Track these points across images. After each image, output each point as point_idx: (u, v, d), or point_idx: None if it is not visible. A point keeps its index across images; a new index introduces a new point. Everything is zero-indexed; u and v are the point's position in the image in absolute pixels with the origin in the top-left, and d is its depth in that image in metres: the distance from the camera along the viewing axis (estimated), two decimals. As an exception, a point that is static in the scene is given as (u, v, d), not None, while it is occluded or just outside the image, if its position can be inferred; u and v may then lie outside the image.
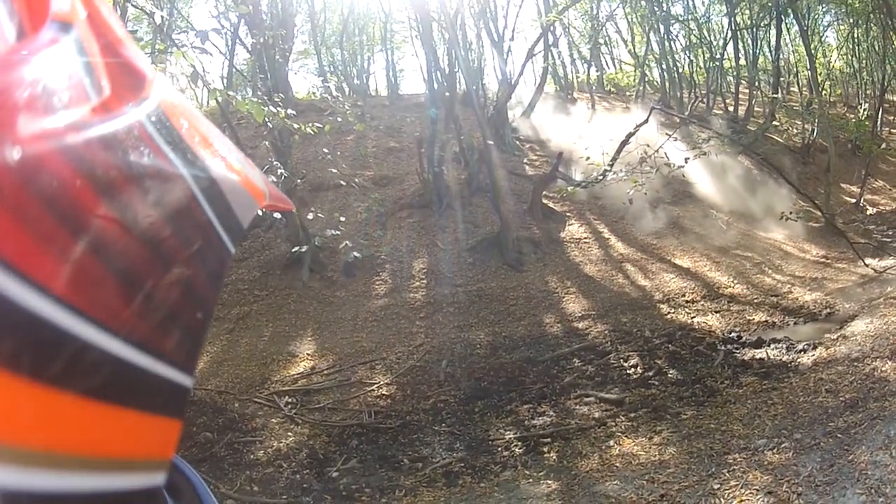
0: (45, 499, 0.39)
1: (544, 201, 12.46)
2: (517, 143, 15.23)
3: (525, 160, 15.00)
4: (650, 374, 7.72)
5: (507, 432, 6.93)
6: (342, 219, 10.13)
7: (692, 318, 9.21)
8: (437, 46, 14.06)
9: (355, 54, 22.22)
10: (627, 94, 21.80)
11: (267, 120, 6.89)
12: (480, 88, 14.84)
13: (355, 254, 9.36)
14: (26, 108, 0.40)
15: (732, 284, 10.33)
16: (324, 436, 7.32)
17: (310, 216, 9.34)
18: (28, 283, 0.37)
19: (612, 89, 22.47)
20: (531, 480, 5.95)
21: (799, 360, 7.53)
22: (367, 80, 22.20)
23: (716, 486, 5.04)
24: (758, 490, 4.83)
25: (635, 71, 22.32)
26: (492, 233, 11.43)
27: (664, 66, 21.30)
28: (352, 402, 7.93)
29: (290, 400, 8.01)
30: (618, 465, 5.86)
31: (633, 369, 7.91)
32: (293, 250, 10.10)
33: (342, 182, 11.34)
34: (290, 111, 7.02)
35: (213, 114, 9.95)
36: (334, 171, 11.16)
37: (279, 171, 8.62)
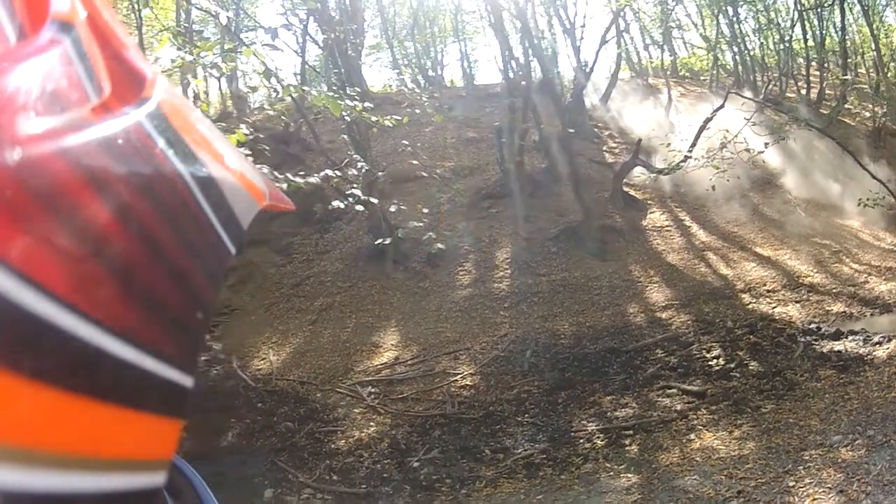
0: (46, 499, 0.45)
1: (625, 189, 13.61)
2: (595, 130, 16.55)
3: (604, 148, 16.31)
4: (732, 365, 8.56)
5: (590, 424, 7.75)
6: (425, 210, 10.93)
7: (773, 308, 10.14)
8: (509, 36, 15.24)
9: (428, 46, 24.52)
10: (702, 78, 23.42)
11: (344, 114, 8.22)
12: (556, 76, 15.94)
13: (439, 245, 10.34)
14: (26, 108, 0.46)
15: (812, 273, 11.27)
16: (406, 426, 8.37)
17: (392, 208, 10.66)
18: (28, 283, 0.42)
19: (687, 74, 24.17)
20: (611, 474, 6.77)
21: (874, 353, 8.22)
22: (442, 72, 24.34)
23: (791, 484, 5.83)
24: (830, 488, 5.57)
25: (707, 55, 24.02)
26: (574, 222, 12.55)
27: (735, 50, 22.90)
28: (435, 392, 8.96)
29: (373, 390, 9.20)
30: (697, 459, 6.68)
31: (714, 361, 8.76)
32: (376, 242, 11.06)
33: (423, 173, 12.68)
34: (367, 104, 7.89)
35: (288, 110, 11.48)
36: (415, 162, 12.49)
37: (359, 164, 9.51)
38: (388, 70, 26.82)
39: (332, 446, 8.27)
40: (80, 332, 0.47)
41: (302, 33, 11.43)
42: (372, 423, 8.62)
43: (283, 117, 7.53)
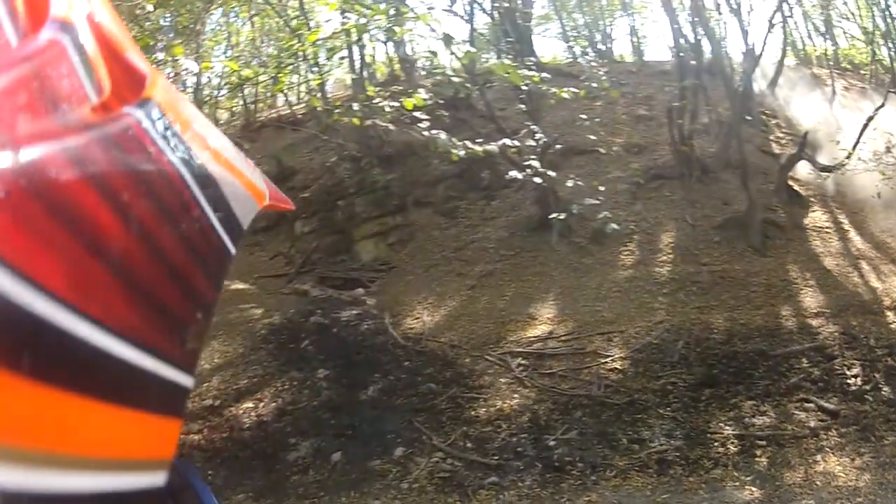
0: (46, 499, 0.47)
1: (789, 183, 13.10)
2: (763, 117, 15.91)
3: (771, 137, 15.62)
4: (867, 388, 8.22)
5: (727, 427, 7.67)
6: (601, 188, 11.22)
7: (917, 332, 9.37)
8: (677, 12, 15.05)
9: (596, 18, 24.29)
10: (862, 72, 21.98)
11: (522, 83, 8.51)
12: (726, 58, 15.49)
13: (614, 225, 10.45)
14: (27, 108, 0.48)
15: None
16: (549, 402, 8.54)
17: (569, 183, 10.91)
18: (29, 283, 0.44)
19: (848, 66, 22.76)
20: (737, 484, 6.77)
21: None
22: (611, 46, 23.91)
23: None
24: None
25: (866, 47, 22.50)
26: (739, 212, 12.19)
27: (891, 45, 20.86)
28: (584, 371, 9.04)
29: (522, 362, 9.42)
30: (818, 483, 6.62)
31: (853, 379, 8.42)
32: (550, 217, 11.26)
33: (600, 149, 13.06)
34: (544, 75, 8.02)
35: (458, 76, 12.16)
36: (593, 137, 12.79)
37: (537, 134, 9.72)
38: (555, 41, 26.91)
39: (472, 413, 8.62)
40: (80, 332, 0.49)
41: (470, 1, 11.72)
42: (516, 395, 8.86)
43: (452, 82, 7.88)
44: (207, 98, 19.30)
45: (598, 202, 10.60)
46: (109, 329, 0.52)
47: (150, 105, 0.65)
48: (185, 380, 0.65)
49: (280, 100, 22.05)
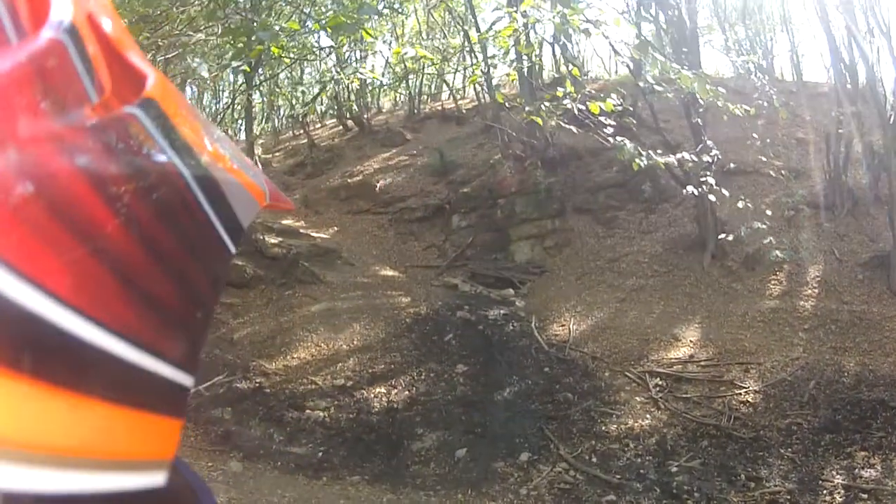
0: (46, 499, 0.48)
1: None
2: None
3: None
4: None
5: (838, 476, 7.75)
6: (768, 212, 11.31)
7: None
8: (834, 34, 14.40)
9: (758, 33, 23.59)
10: None
11: (699, 97, 8.68)
12: (880, 85, 14.65)
13: (778, 252, 10.42)
14: (27, 108, 0.50)
15: None
16: (679, 427, 8.80)
17: (739, 204, 10.69)
18: (28, 283, 0.46)
19: None
20: None
21: None
22: (772, 62, 23.04)
23: None
24: None
25: None
26: (884, 250, 11.99)
27: None
28: (717, 400, 9.25)
29: (659, 382, 9.77)
30: None
31: None
32: (719, 237, 11.78)
33: (772, 172, 13.15)
34: (720, 89, 8.15)
35: (623, 83, 12.50)
36: (764, 159, 12.92)
37: (713, 150, 9.81)
38: (716, 53, 26.15)
39: (603, 428, 9.02)
40: (80, 331, 0.51)
41: (637, 4, 11.95)
42: (648, 416, 9.22)
43: (619, 90, 8.32)
44: (371, 88, 20.63)
45: (765, 227, 10.73)
46: (109, 329, 0.54)
47: (150, 105, 0.67)
48: (185, 380, 0.68)
49: (445, 93, 23.08)
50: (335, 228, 15.99)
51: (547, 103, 8.41)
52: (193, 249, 0.72)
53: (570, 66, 11.55)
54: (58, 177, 0.51)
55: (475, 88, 19.11)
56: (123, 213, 0.58)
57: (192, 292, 0.72)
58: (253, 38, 7.02)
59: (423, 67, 15.35)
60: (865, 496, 7.45)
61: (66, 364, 0.51)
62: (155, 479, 0.64)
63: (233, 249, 0.79)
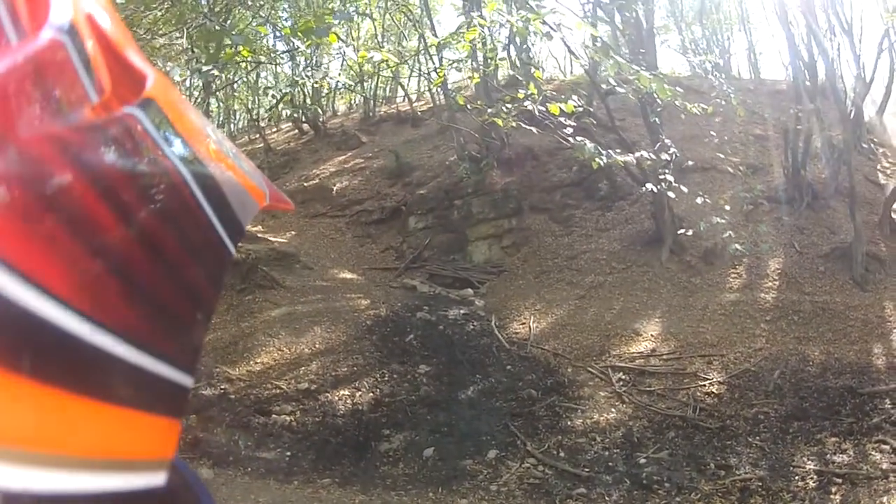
0: (46, 499, 0.48)
1: (893, 216, 12.95)
2: (871, 145, 15.74)
3: (878, 166, 15.38)
4: None
5: (809, 462, 7.79)
6: (727, 207, 11.45)
7: None
8: (793, 31, 14.73)
9: (715, 32, 24.42)
10: None
11: (657, 96, 8.69)
12: (840, 81, 15.27)
13: (737, 246, 10.66)
14: (26, 108, 0.49)
15: None
16: (644, 420, 8.78)
17: (698, 200, 10.92)
18: (28, 283, 0.45)
19: None
20: None
21: None
22: (729, 61, 23.90)
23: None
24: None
25: None
26: (844, 242, 12.22)
27: None
28: (681, 392, 9.25)
29: (622, 377, 9.73)
30: None
31: None
32: (678, 232, 11.88)
33: (729, 168, 13.31)
34: (677, 89, 8.16)
35: (579, 83, 12.61)
36: (721, 155, 13.07)
37: (671, 149, 9.84)
38: (672, 52, 26.93)
39: (569, 423, 8.96)
40: (80, 332, 0.50)
41: (594, 5, 11.98)
42: (613, 410, 9.17)
43: (578, 90, 8.25)
44: (327, 92, 20.42)
45: (724, 221, 10.84)
46: (109, 329, 0.54)
47: (150, 105, 0.67)
48: (185, 380, 0.67)
49: (400, 96, 22.99)
50: (293, 232, 15.72)
51: (508, 105, 8.31)
52: (193, 250, 0.71)
53: (532, 69, 11.44)
54: (58, 177, 0.50)
55: (430, 91, 19.01)
56: (123, 214, 0.57)
57: (192, 293, 0.71)
58: (225, 42, 6.81)
59: (379, 70, 15.17)
60: (840, 481, 7.47)
61: (67, 364, 0.50)
62: (154, 479, 0.63)
63: (233, 250, 0.78)
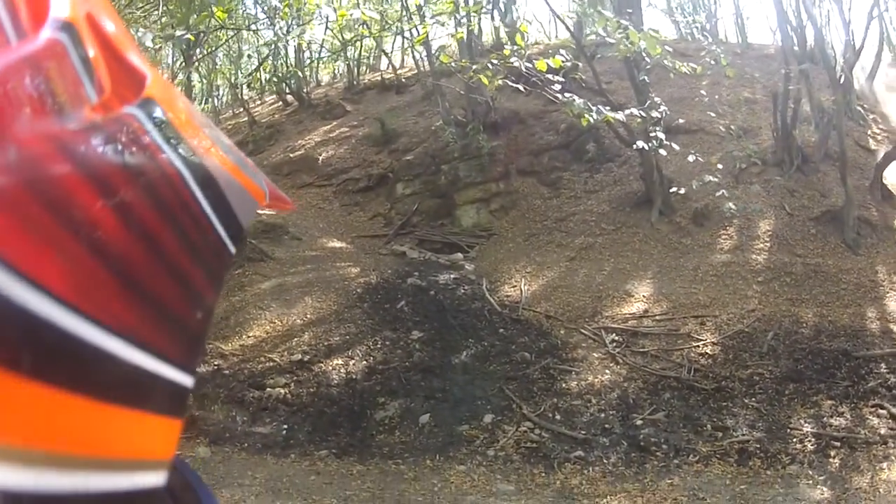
0: (46, 499, 0.47)
1: (883, 181, 12.83)
2: (861, 111, 15.44)
3: (868, 131, 15.13)
4: None
5: (806, 425, 7.70)
6: (720, 166, 11.22)
7: None
8: None
9: None
10: None
11: (646, 55, 8.42)
12: (830, 47, 15.33)
13: (731, 205, 10.49)
14: (26, 107, 0.49)
15: None
16: (639, 381, 8.66)
17: (690, 158, 10.78)
18: (28, 283, 0.45)
19: None
20: (810, 482, 6.83)
21: None
22: (716, 25, 22.87)
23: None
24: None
25: None
26: (835, 205, 12.07)
27: None
28: (675, 353, 9.13)
29: (616, 338, 9.57)
30: (881, 490, 6.64)
31: None
32: (670, 191, 11.67)
33: (721, 127, 13.11)
34: (668, 49, 7.92)
35: (564, 46, 12.36)
36: (713, 115, 12.91)
37: (661, 106, 9.88)
38: (657, 14, 26.58)
39: (563, 385, 8.80)
40: (80, 331, 0.49)
41: None
42: (607, 371, 9.01)
43: (561, 52, 7.87)
44: (309, 61, 19.94)
45: (716, 180, 10.60)
46: (109, 329, 0.53)
47: (150, 105, 0.66)
48: (185, 380, 0.66)
49: (384, 63, 22.51)
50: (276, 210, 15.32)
51: (494, 61, 7.95)
52: (193, 249, 0.70)
53: (518, 24, 11.04)
54: (58, 177, 0.50)
55: (414, 57, 18.55)
56: (123, 213, 0.56)
57: (192, 292, 0.70)
58: (198, 3, 6.42)
59: (362, 37, 14.72)
60: (838, 444, 7.38)
61: (67, 364, 0.49)
62: (155, 479, 0.62)
63: (233, 249, 0.77)
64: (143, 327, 0.59)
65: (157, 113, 0.67)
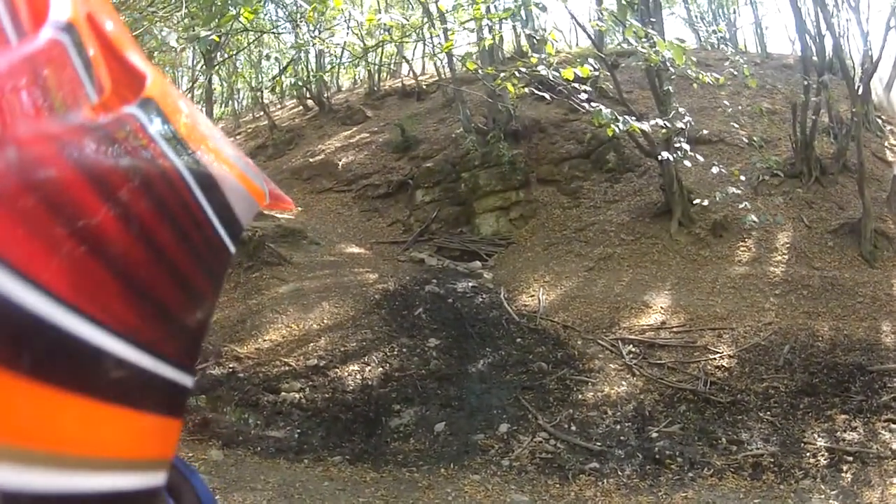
0: (46, 499, 0.47)
1: None
2: (879, 122, 15.33)
3: (886, 143, 15.04)
4: None
5: (820, 439, 7.65)
6: (742, 178, 11.04)
7: None
8: (799, 5, 14.54)
9: (721, 5, 23.63)
10: None
11: (670, 65, 8.42)
12: (849, 57, 15.09)
13: (753, 217, 10.46)
14: (26, 107, 0.49)
15: None
16: (655, 393, 8.63)
17: (714, 170, 10.79)
18: (28, 283, 0.45)
19: None
20: (822, 497, 6.77)
21: None
22: (736, 35, 23.09)
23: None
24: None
25: None
26: (853, 218, 11.98)
27: None
28: (692, 366, 9.08)
29: (632, 349, 9.52)
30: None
31: None
32: (692, 203, 11.66)
33: (743, 138, 13.03)
34: (690, 58, 8.36)
35: (584, 55, 12.14)
36: (735, 125, 12.93)
37: (685, 117, 9.78)
38: (678, 26, 26.56)
39: (580, 396, 8.77)
40: (80, 331, 0.49)
41: None
42: (623, 383, 8.98)
43: (585, 62, 7.85)
44: (330, 66, 20.09)
45: (739, 192, 10.55)
46: (109, 329, 0.53)
47: (150, 105, 0.66)
48: (185, 379, 0.66)
49: (405, 69, 22.60)
50: (299, 208, 15.47)
51: (522, 69, 7.97)
52: (193, 249, 0.70)
53: (544, 33, 11.05)
54: (58, 177, 0.50)
55: (435, 64, 18.60)
56: (123, 214, 0.57)
57: (192, 292, 0.69)
58: (224, 3, 6.46)
59: (383, 44, 14.80)
60: (850, 459, 7.33)
61: (67, 364, 0.49)
62: (155, 479, 0.62)
63: (232, 249, 0.77)
64: (143, 327, 0.59)
65: (157, 113, 0.67)
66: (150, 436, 0.63)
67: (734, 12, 24.63)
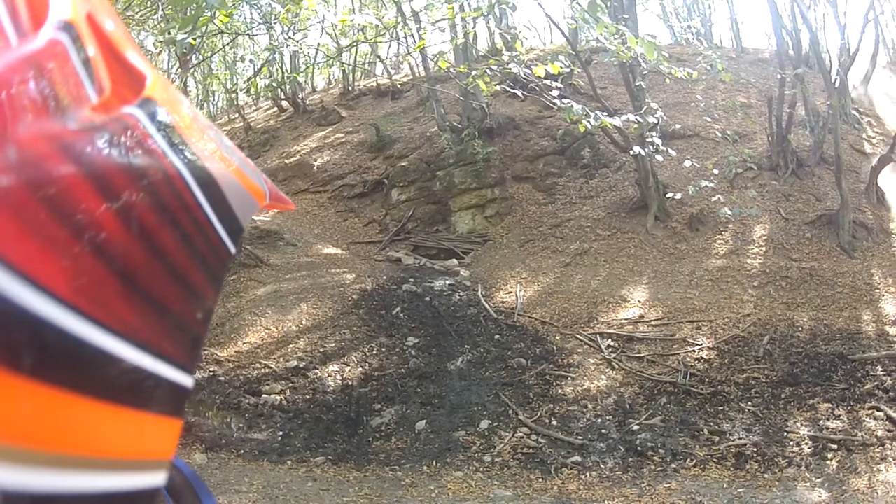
0: (46, 499, 0.47)
1: (879, 185, 12.89)
2: (856, 114, 15.57)
3: (863, 135, 15.26)
4: None
5: (803, 428, 7.68)
6: (715, 171, 11.27)
7: None
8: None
9: (697, 0, 23.43)
10: None
11: (642, 61, 8.46)
12: (825, 50, 15.37)
13: (727, 210, 10.57)
14: (27, 108, 0.49)
15: None
16: (635, 386, 8.63)
17: (686, 164, 10.84)
18: (29, 283, 0.45)
19: None
20: (808, 485, 6.80)
21: None
22: (711, 30, 23.11)
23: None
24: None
25: None
26: (831, 209, 12.10)
27: None
28: (671, 358, 9.10)
29: (611, 343, 9.53)
30: (879, 491, 6.60)
31: None
32: (667, 196, 11.76)
33: (717, 132, 13.14)
34: (664, 54, 7.94)
35: (559, 52, 12.44)
36: (709, 119, 12.97)
37: (657, 112, 9.70)
38: (653, 21, 26.87)
39: (559, 391, 8.77)
40: (81, 332, 0.49)
41: None
42: (603, 377, 8.98)
43: (560, 59, 7.88)
44: (305, 66, 19.99)
45: (712, 185, 10.64)
46: (109, 329, 0.53)
47: (150, 105, 0.66)
48: (185, 380, 0.66)
49: (379, 69, 22.53)
50: (275, 210, 15.26)
51: (494, 67, 7.97)
52: (193, 249, 0.70)
53: (513, 32, 11.09)
54: (58, 177, 0.50)
55: (409, 63, 18.55)
56: (124, 213, 0.57)
57: (192, 292, 0.70)
58: (199, 6, 6.39)
59: (357, 43, 14.75)
60: (835, 447, 7.35)
61: (67, 364, 0.49)
62: (154, 479, 0.62)
63: (233, 249, 0.77)
64: (144, 328, 0.59)
65: (157, 113, 0.67)
66: (150, 436, 0.63)
67: (709, 7, 24.95)
